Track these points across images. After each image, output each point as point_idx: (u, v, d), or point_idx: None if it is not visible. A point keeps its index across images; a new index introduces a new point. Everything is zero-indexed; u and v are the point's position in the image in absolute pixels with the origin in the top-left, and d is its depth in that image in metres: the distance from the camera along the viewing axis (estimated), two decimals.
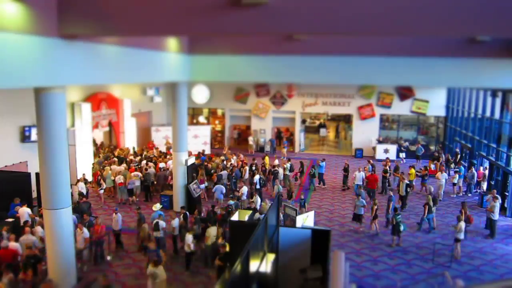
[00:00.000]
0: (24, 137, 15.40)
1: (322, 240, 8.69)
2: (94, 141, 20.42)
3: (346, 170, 19.04)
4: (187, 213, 12.73)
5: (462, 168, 18.70)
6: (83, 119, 18.01)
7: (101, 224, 11.49)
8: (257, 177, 16.75)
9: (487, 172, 18.55)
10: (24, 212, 12.05)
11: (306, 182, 19.47)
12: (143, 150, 21.58)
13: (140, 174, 16.87)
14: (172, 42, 12.70)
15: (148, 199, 16.61)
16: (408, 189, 16.31)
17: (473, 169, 19.02)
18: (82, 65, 8.81)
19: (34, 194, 14.12)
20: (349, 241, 13.09)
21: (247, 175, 17.89)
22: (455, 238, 12.08)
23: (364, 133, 26.23)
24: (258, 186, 16.58)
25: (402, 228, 12.60)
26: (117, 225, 12.22)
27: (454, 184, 18.32)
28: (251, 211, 11.62)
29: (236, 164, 19.11)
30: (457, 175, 18.21)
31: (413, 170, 18.25)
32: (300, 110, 27.26)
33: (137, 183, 16.49)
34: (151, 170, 17.18)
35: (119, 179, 16.11)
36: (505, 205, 15.72)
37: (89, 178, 17.68)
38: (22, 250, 10.10)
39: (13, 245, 10.06)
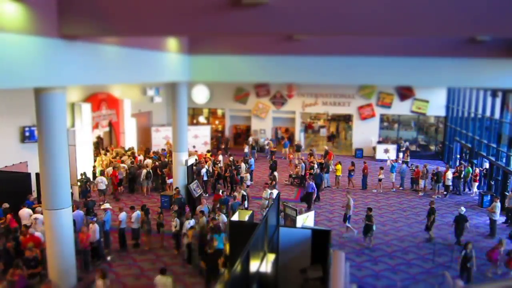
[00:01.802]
0: (24, 137, 15.40)
1: (322, 240, 8.68)
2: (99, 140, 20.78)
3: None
4: (146, 207, 13.12)
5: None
6: (83, 119, 18.01)
7: (87, 232, 10.84)
8: (203, 170, 17.33)
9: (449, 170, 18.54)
10: (25, 213, 11.96)
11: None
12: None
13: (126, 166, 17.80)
14: (172, 42, 12.70)
15: (133, 191, 17.59)
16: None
17: (393, 163, 19.66)
18: (82, 66, 8.81)
19: (34, 194, 14.12)
20: (349, 241, 13.09)
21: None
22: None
23: (364, 133, 26.25)
24: (205, 178, 17.30)
25: (373, 228, 12.63)
26: (94, 236, 11.12)
27: (379, 180, 18.70)
28: (251, 211, 11.62)
29: (199, 161, 19.66)
30: (381, 171, 18.66)
31: (339, 166, 18.97)
32: (300, 110, 27.26)
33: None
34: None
35: (110, 170, 17.06)
36: (505, 205, 15.64)
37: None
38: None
39: (38, 234, 10.42)
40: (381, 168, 18.83)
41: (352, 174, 19.01)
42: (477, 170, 18.67)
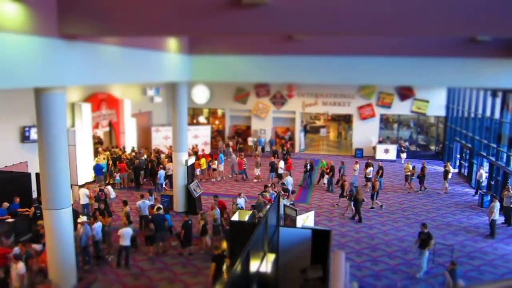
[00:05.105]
0: (24, 137, 15.40)
1: (322, 240, 8.69)
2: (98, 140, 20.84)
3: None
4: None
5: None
6: (83, 119, 18.02)
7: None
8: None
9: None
10: None
11: (306, 181, 19.53)
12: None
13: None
14: (172, 42, 12.70)
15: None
16: None
17: (312, 163, 20.15)
18: (82, 66, 8.81)
19: (34, 194, 14.12)
20: (349, 241, 13.09)
21: None
22: None
23: (364, 133, 26.26)
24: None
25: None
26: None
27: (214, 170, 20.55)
28: (250, 211, 11.64)
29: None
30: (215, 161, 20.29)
31: (203, 160, 20.06)
32: (300, 110, 27.28)
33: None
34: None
35: None
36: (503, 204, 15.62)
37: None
38: None
39: None
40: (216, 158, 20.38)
41: (210, 165, 20.42)
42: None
